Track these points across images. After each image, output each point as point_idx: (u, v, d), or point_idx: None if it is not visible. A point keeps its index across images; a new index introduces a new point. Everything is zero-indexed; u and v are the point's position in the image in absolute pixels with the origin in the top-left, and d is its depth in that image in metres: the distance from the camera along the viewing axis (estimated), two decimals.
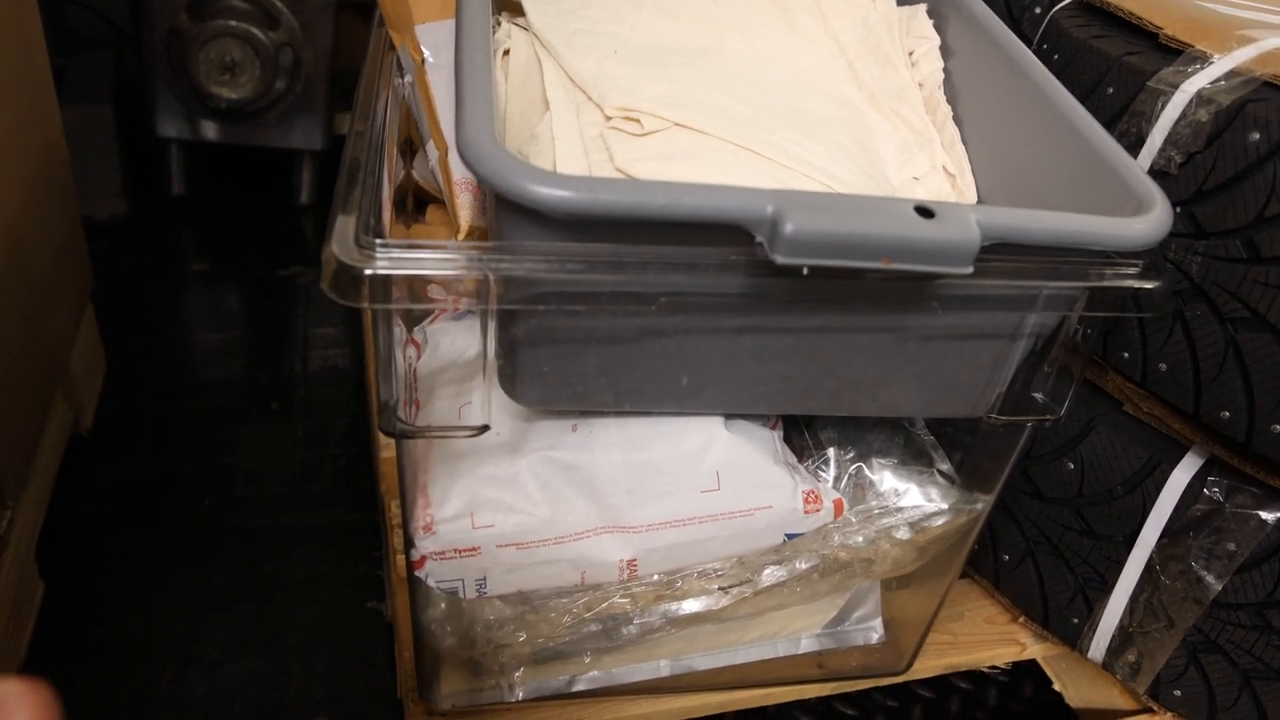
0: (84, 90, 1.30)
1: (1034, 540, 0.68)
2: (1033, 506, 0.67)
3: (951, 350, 0.51)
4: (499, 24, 0.66)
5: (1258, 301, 0.50)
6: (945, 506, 0.59)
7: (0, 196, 0.75)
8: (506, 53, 0.64)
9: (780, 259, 0.41)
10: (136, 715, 0.76)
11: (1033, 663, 0.74)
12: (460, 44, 0.48)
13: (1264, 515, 0.56)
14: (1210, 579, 0.59)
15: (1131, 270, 0.47)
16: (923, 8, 0.70)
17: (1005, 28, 0.63)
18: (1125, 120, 0.56)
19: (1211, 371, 0.53)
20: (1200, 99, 0.52)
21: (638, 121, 0.56)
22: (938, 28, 0.69)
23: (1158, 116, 0.54)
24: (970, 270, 0.43)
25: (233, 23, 1.13)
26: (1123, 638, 0.64)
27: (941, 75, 0.67)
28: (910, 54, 0.69)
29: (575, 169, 0.55)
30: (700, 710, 0.65)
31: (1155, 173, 0.54)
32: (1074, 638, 0.68)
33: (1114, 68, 0.58)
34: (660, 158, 0.55)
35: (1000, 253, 0.45)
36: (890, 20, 0.70)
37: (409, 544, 0.54)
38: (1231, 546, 0.57)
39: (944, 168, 0.63)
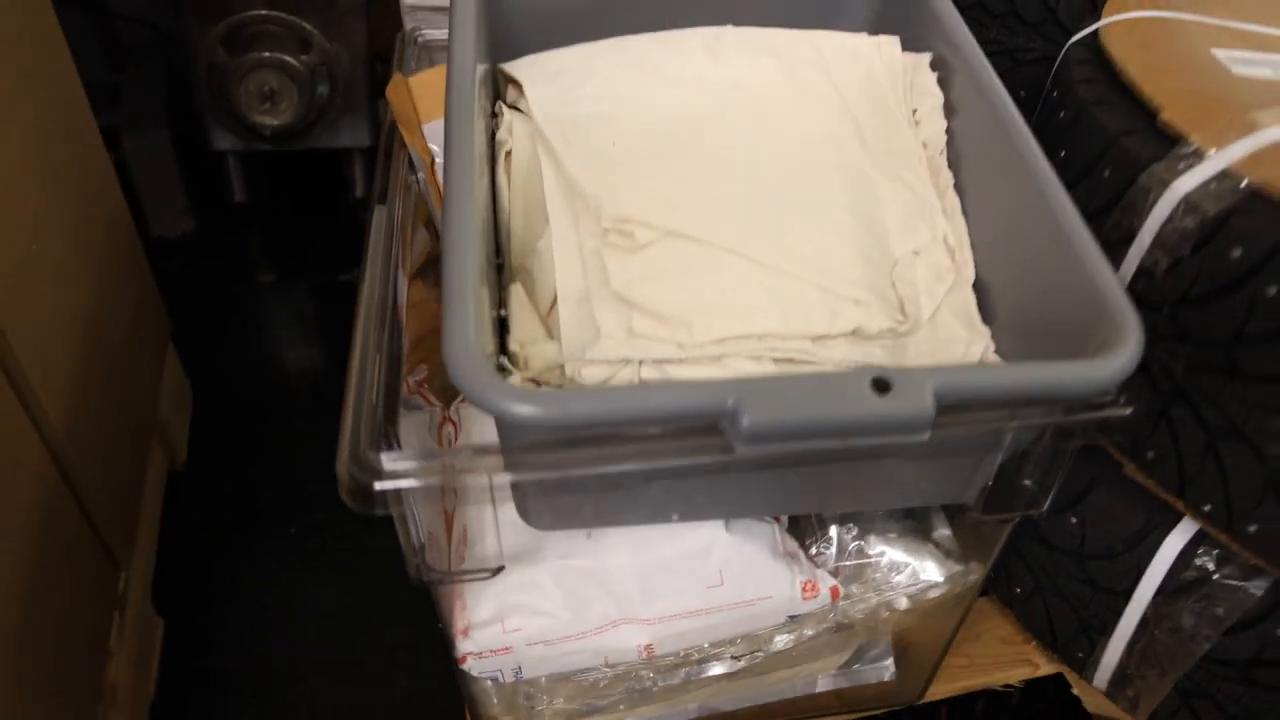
0: (141, 109, 1.36)
1: (1041, 580, 0.71)
2: (1039, 552, 0.70)
3: (928, 463, 0.54)
4: (500, 113, 0.69)
5: (1235, 414, 0.52)
6: (940, 579, 0.63)
7: (75, 275, 0.82)
8: (509, 153, 0.67)
9: (740, 449, 0.44)
10: None
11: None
12: (446, 237, 0.51)
13: (1250, 587, 0.58)
14: (1200, 638, 0.62)
15: (1100, 403, 0.49)
16: (927, 59, 0.70)
17: (1006, 97, 0.62)
18: (1119, 211, 0.56)
19: (1193, 469, 0.55)
20: (1188, 204, 0.52)
21: (632, 235, 0.59)
22: (942, 81, 0.69)
23: (1147, 214, 0.54)
24: (927, 437, 0.46)
25: (266, 54, 1.17)
26: (1122, 676, 0.68)
27: (944, 137, 0.67)
28: (914, 112, 0.69)
29: (575, 289, 0.59)
30: None
31: (1143, 272, 0.55)
32: (1080, 667, 0.72)
33: (1112, 148, 0.58)
34: (653, 277, 0.58)
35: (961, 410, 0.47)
36: (895, 74, 0.70)
37: (450, 642, 0.61)
38: (1220, 611, 0.60)
39: (945, 238, 0.65)
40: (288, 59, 1.18)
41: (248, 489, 1.07)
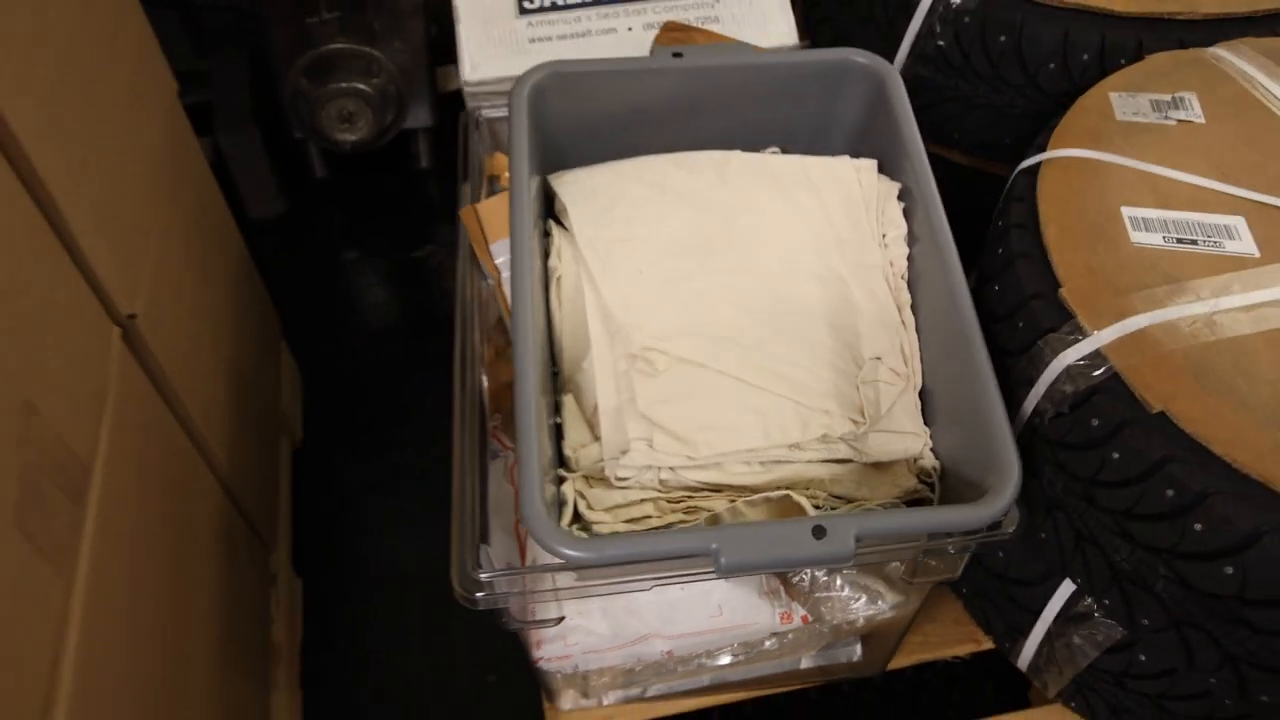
0: (229, 97, 1.53)
1: (980, 589, 0.92)
2: (979, 571, 0.91)
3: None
4: (551, 233, 0.86)
5: (1093, 527, 0.70)
6: (889, 606, 0.84)
7: (198, 282, 1.00)
8: (559, 279, 0.85)
9: (722, 575, 0.65)
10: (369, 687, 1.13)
11: None
12: (518, 410, 0.70)
13: (1118, 626, 0.78)
14: (1085, 654, 0.82)
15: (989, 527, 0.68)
16: (896, 190, 0.85)
17: (953, 250, 0.78)
18: (1025, 360, 0.73)
19: (1069, 553, 0.74)
20: (1069, 373, 0.68)
21: (653, 363, 0.78)
22: (906, 213, 0.84)
23: (1042, 370, 0.71)
24: (851, 561, 0.65)
25: (343, 84, 1.33)
26: (1035, 666, 0.90)
27: (905, 263, 0.83)
28: (884, 236, 0.85)
29: (611, 404, 0.78)
30: (731, 700, 0.96)
31: (1037, 412, 0.72)
32: (1007, 653, 0.93)
33: (1025, 306, 0.74)
34: (669, 400, 0.76)
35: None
36: (870, 198, 0.86)
37: (527, 649, 0.85)
38: (1099, 638, 0.80)
39: (902, 347, 0.82)
40: (360, 85, 1.34)
41: (360, 465, 1.31)
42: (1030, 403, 0.73)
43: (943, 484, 0.77)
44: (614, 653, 0.84)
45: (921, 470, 0.78)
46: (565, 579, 0.68)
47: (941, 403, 0.78)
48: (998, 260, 0.79)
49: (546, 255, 0.85)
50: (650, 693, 0.95)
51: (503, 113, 1.02)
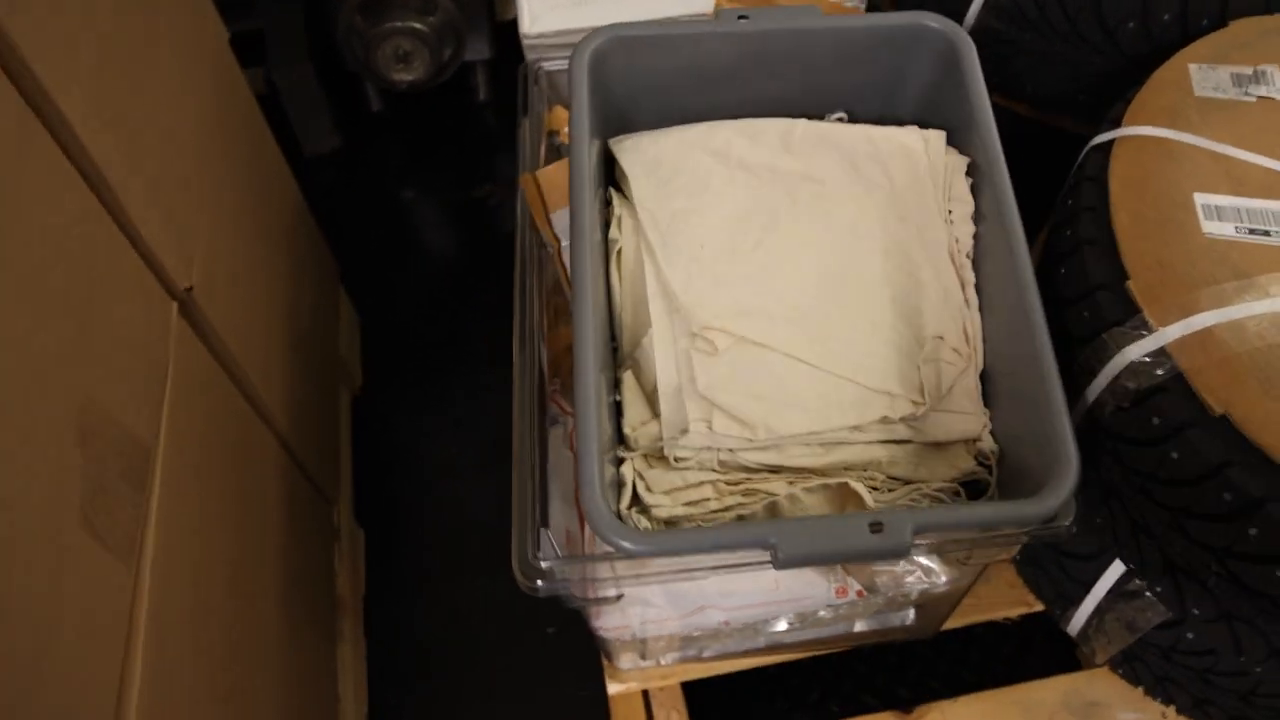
0: (283, 31, 1.52)
1: (1034, 557, 0.93)
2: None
3: None
4: (612, 203, 0.86)
5: (1148, 518, 0.71)
6: (942, 583, 0.85)
7: (253, 237, 0.99)
8: (619, 251, 0.85)
9: (779, 567, 0.66)
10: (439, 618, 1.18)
11: None
12: (578, 393, 0.71)
13: (1165, 608, 0.79)
14: (1134, 629, 0.83)
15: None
16: (964, 166, 0.83)
17: (1020, 232, 0.76)
18: (1089, 350, 0.72)
19: (1124, 539, 0.75)
20: (1131, 369, 0.68)
21: (713, 343, 0.78)
22: (973, 188, 0.82)
23: (1105, 364, 0.70)
24: (908, 555, 0.66)
25: (399, 23, 1.31)
26: (1084, 635, 0.91)
27: (971, 241, 0.82)
28: (950, 212, 0.83)
29: (671, 384, 0.78)
30: (787, 659, 0.99)
31: (1098, 404, 0.72)
32: (1058, 620, 0.95)
33: (1091, 296, 0.73)
34: (729, 381, 0.77)
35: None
36: (938, 173, 0.83)
37: (585, 615, 0.88)
38: (1148, 615, 0.81)
39: (965, 327, 0.81)
40: (416, 25, 1.32)
41: (419, 415, 1.34)
42: (1092, 393, 0.72)
43: (1000, 467, 0.77)
44: (672, 623, 0.87)
45: (979, 452, 0.78)
46: (624, 566, 0.70)
47: (1002, 385, 0.78)
48: (1065, 242, 0.77)
49: (607, 225, 0.85)
50: (707, 654, 0.98)
51: (563, 65, 1.01)
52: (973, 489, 0.77)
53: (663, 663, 0.98)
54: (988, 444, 0.77)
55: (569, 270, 0.83)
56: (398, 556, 1.23)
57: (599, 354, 0.73)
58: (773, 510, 0.74)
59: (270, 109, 1.14)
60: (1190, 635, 0.78)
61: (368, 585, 1.19)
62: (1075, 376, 0.73)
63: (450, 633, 1.18)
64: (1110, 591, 0.84)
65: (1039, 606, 1.00)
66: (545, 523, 0.74)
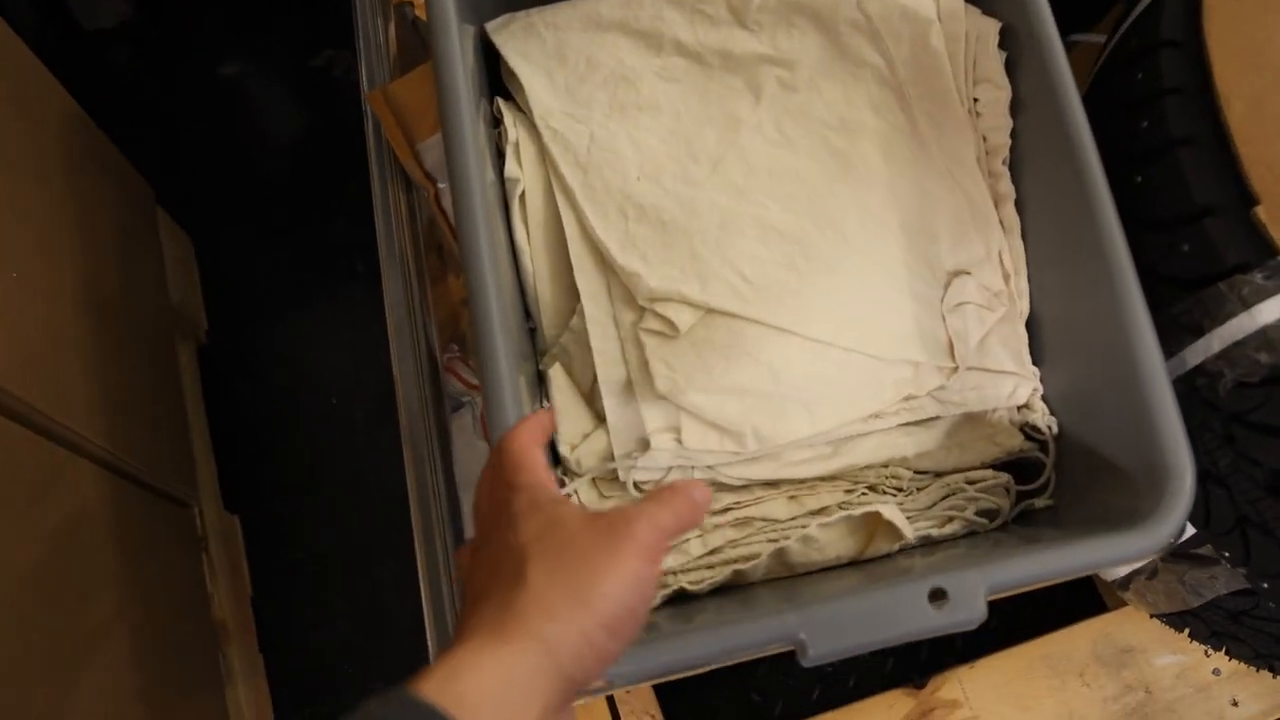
0: None
1: None
2: None
3: None
4: (502, 118, 0.61)
5: (1269, 519, 0.54)
6: None
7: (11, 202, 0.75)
8: (523, 195, 0.60)
9: (809, 664, 0.48)
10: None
11: None
12: (490, 411, 0.49)
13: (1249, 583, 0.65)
14: (1195, 595, 0.69)
15: None
16: (994, 31, 0.59)
17: (1082, 121, 0.54)
18: (1191, 301, 0.53)
19: (1219, 531, 0.58)
20: (1265, 338, 0.49)
21: (670, 319, 0.56)
22: (1010, 65, 0.59)
23: (1219, 323, 0.51)
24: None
25: None
26: (1125, 585, 0.77)
27: (1007, 139, 0.60)
28: (975, 101, 0.61)
29: (616, 378, 0.58)
30: None
31: (1205, 372, 0.53)
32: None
33: (1194, 223, 0.52)
34: (699, 370, 0.56)
35: None
36: (956, 45, 0.61)
37: None
38: (1219, 585, 0.67)
39: (1000, 257, 0.61)
40: None
41: (275, 364, 1.09)
42: (1194, 356, 0.54)
43: (1059, 445, 0.59)
44: None
45: (1029, 424, 0.59)
46: None
47: (1059, 338, 0.59)
48: (1145, 139, 0.56)
49: (501, 155, 0.60)
50: None
51: None
52: (1020, 472, 0.59)
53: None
54: (1040, 413, 0.59)
55: (453, 226, 0.59)
56: (286, 543, 1.02)
57: (510, 345, 0.51)
58: (781, 559, 0.55)
59: None
60: (1273, 604, 0.64)
61: (255, 585, 0.97)
62: (1166, 331, 0.54)
63: (358, 632, 0.99)
64: (1176, 551, 0.68)
65: None
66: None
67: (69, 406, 0.72)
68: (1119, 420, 0.53)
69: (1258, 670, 0.78)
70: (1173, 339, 0.54)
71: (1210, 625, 0.73)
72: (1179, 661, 0.81)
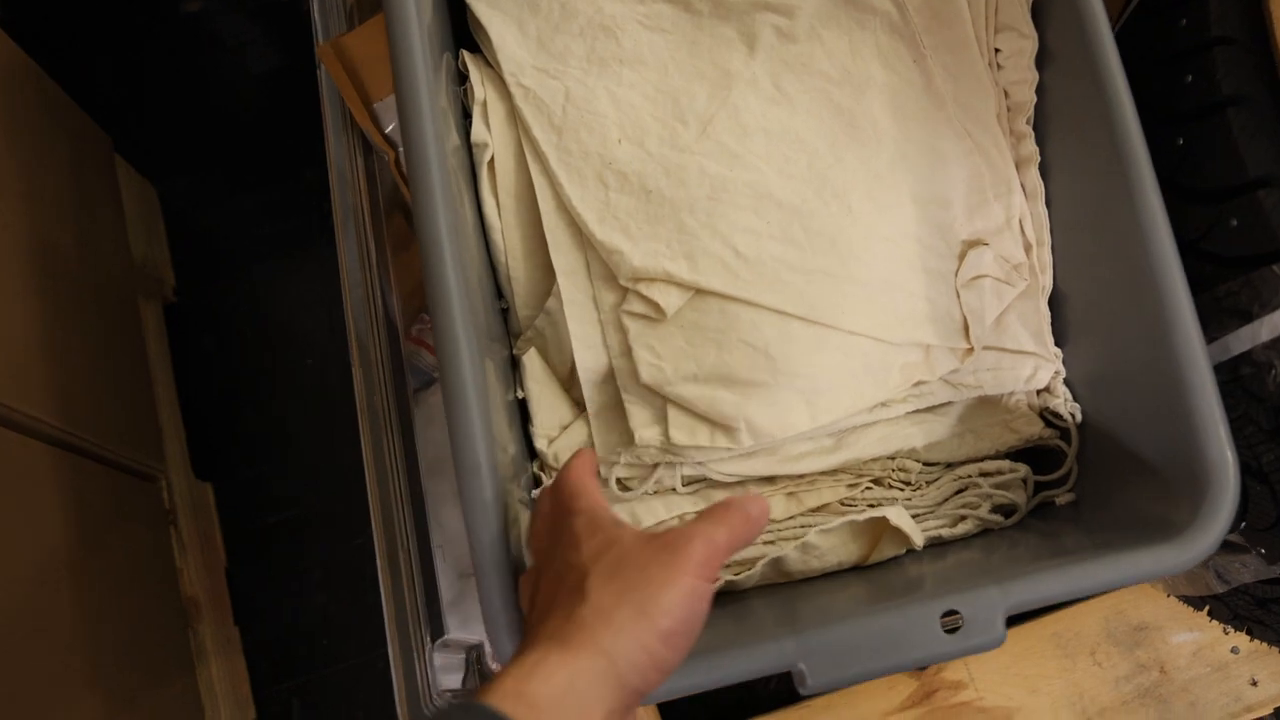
0: None
1: None
2: None
3: None
4: (468, 78, 0.54)
5: None
6: None
7: None
8: (491, 162, 0.54)
9: (807, 693, 0.43)
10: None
11: None
12: (451, 414, 0.43)
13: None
14: (1219, 583, 0.65)
15: None
16: None
17: (1119, 76, 0.48)
18: (1240, 284, 0.47)
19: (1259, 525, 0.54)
20: None
21: (656, 301, 0.51)
22: (1037, 12, 0.52)
23: (1270, 311, 0.46)
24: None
25: None
26: None
27: (1031, 94, 0.53)
28: (996, 51, 0.54)
29: (597, 366, 0.53)
30: None
31: (1251, 360, 0.48)
32: None
33: (1243, 194, 0.47)
34: (688, 358, 0.51)
35: None
36: None
37: None
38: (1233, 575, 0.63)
39: (1020, 226, 0.55)
40: None
41: (242, 319, 1.03)
42: (1240, 343, 0.48)
43: (1082, 433, 0.54)
44: None
45: (1049, 410, 0.55)
46: None
47: (1085, 316, 0.54)
48: (1189, 97, 0.50)
49: (468, 118, 0.54)
50: None
51: None
52: (1038, 461, 0.54)
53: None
54: (1062, 398, 0.54)
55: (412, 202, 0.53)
56: (260, 510, 0.97)
57: (476, 330, 0.46)
58: (777, 567, 0.50)
59: None
60: None
61: (228, 556, 0.93)
62: (1208, 313, 0.49)
63: (336, 602, 0.95)
64: None
65: None
66: (440, 626, 0.49)
67: (20, 387, 0.67)
68: (1152, 410, 0.48)
69: None
70: (1215, 323, 0.49)
71: (1234, 609, 0.70)
72: (1195, 639, 0.77)
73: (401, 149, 0.58)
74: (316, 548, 0.95)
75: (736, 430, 0.50)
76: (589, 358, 0.52)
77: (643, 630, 0.32)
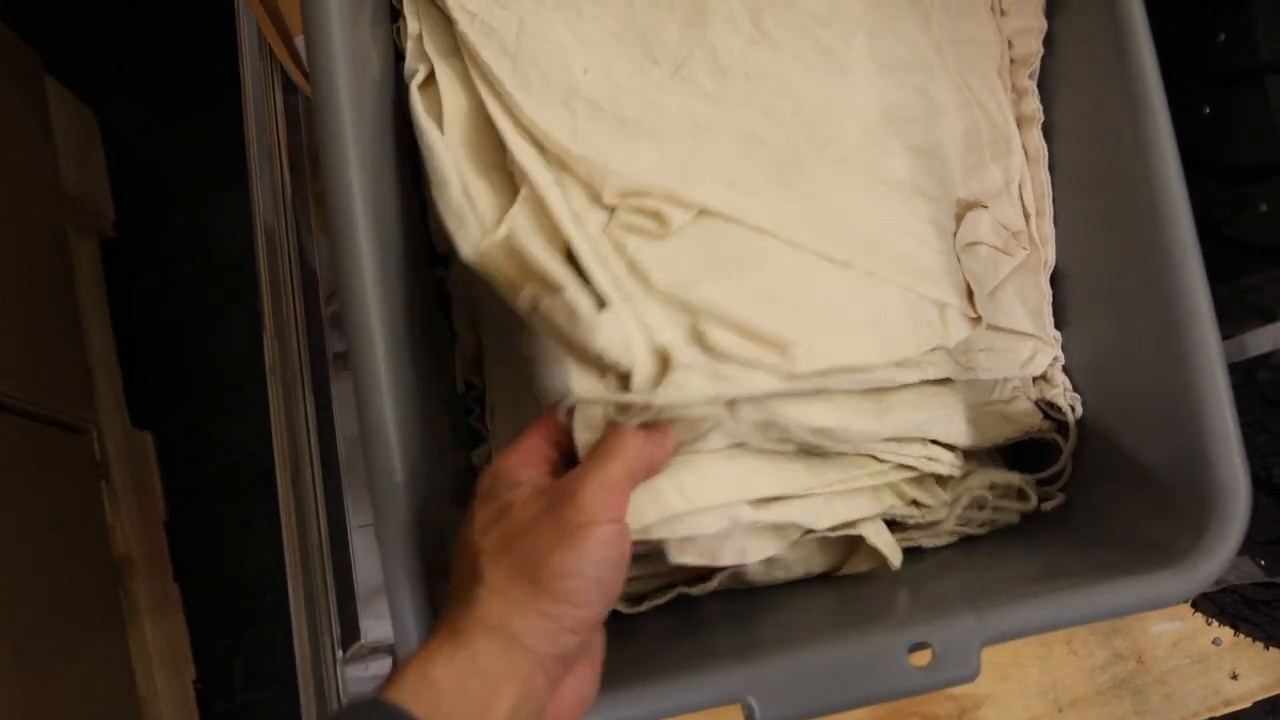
0: None
1: None
2: None
3: None
4: (402, 8, 0.47)
5: None
6: None
7: None
8: (427, 82, 0.47)
9: None
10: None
11: None
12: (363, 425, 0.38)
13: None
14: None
15: None
16: None
17: (1141, 25, 0.42)
18: (1264, 278, 0.42)
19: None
20: None
21: (659, 214, 0.43)
22: None
23: None
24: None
25: None
26: None
27: (1039, 47, 0.47)
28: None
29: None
30: None
31: (1266, 364, 0.43)
32: None
33: (1274, 178, 0.41)
34: (708, 269, 0.42)
35: None
36: None
37: None
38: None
39: (1020, 192, 0.49)
40: None
41: (186, 256, 0.96)
42: (1259, 343, 0.44)
43: (1080, 428, 0.49)
44: None
45: (1046, 400, 0.49)
46: None
47: (1087, 297, 0.49)
48: (1220, 60, 0.44)
49: (400, 56, 0.47)
50: None
51: None
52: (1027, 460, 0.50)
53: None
54: (1061, 388, 0.49)
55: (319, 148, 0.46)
56: (200, 460, 0.92)
57: (390, 300, 0.39)
58: (737, 578, 0.45)
59: None
60: None
61: (169, 507, 0.88)
62: (1223, 300, 0.43)
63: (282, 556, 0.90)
64: None
65: None
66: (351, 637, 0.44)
67: None
68: (1155, 413, 0.43)
69: (1266, 648, 0.71)
70: (1232, 318, 0.44)
71: (1221, 605, 0.66)
72: (1176, 629, 0.73)
73: None
74: (263, 498, 0.90)
75: (791, 344, 0.39)
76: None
77: (541, 599, 0.32)
